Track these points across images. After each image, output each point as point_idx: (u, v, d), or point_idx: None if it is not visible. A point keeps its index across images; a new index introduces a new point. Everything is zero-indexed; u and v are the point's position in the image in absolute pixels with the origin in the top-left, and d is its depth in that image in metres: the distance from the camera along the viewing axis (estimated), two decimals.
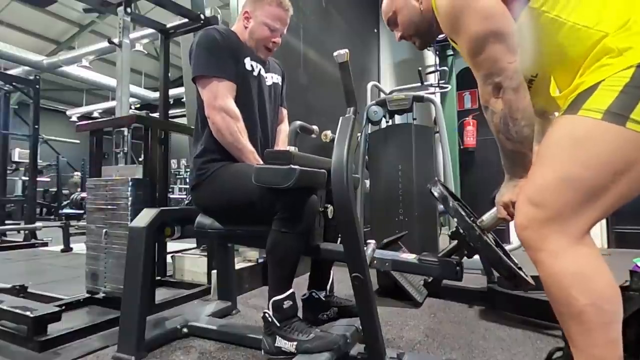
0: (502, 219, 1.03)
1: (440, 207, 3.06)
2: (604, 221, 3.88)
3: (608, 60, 0.77)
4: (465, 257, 1.15)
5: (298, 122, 1.35)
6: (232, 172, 1.36)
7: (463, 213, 1.06)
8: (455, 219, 1.05)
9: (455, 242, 1.17)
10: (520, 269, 1.04)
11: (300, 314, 1.30)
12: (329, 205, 1.33)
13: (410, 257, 1.21)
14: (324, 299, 1.54)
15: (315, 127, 1.46)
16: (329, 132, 1.37)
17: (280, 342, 1.19)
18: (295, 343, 1.17)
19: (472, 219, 1.08)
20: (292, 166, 1.13)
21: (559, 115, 0.84)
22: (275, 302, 1.20)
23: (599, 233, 3.85)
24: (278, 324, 1.20)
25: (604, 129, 0.74)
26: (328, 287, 1.55)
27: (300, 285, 1.29)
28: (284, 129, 1.71)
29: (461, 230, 1.09)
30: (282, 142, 1.65)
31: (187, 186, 1.60)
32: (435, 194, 1.08)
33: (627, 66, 0.74)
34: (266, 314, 1.21)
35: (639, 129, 0.71)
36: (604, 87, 0.76)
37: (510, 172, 0.97)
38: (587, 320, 0.75)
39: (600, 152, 0.75)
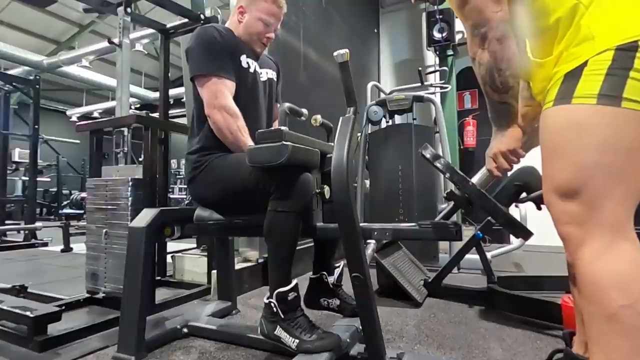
0: (491, 171, 1.05)
1: (441, 207, 3.06)
2: None
3: (578, 48, 0.78)
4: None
5: (287, 104, 1.36)
6: (228, 161, 1.38)
7: (455, 168, 1.07)
8: (447, 174, 1.05)
9: (452, 203, 1.16)
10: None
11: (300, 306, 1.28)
12: (325, 186, 1.33)
13: (410, 224, 1.20)
14: (331, 286, 1.51)
15: (304, 110, 1.46)
16: (318, 117, 1.36)
17: (281, 334, 1.19)
18: (297, 341, 1.17)
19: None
20: (284, 143, 1.14)
21: (548, 107, 0.83)
22: (279, 293, 1.19)
23: None
24: (282, 316, 1.20)
25: (602, 113, 0.74)
26: (336, 277, 1.53)
27: (300, 285, 1.28)
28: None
29: (455, 189, 1.10)
30: None
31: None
32: (427, 154, 1.08)
33: (603, 49, 0.74)
34: (271, 303, 1.20)
35: (635, 107, 0.72)
36: (588, 72, 0.76)
37: (497, 123, 0.99)
38: (620, 322, 0.73)
39: (607, 135, 0.74)
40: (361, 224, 1.17)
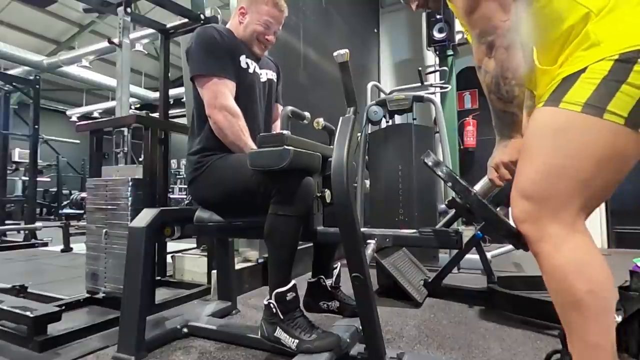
0: (492, 180, 1.05)
1: (441, 207, 3.06)
2: (603, 221, 3.88)
3: (584, 53, 0.79)
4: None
5: (289, 107, 1.36)
6: (229, 162, 1.37)
7: (457, 177, 1.06)
8: (449, 183, 1.05)
9: (453, 211, 1.16)
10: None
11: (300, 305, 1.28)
12: (326, 190, 1.33)
13: (410, 231, 1.21)
14: (330, 288, 1.52)
15: (307, 114, 1.46)
16: (321, 120, 1.36)
17: (281, 335, 1.19)
18: (296, 341, 1.17)
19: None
20: (286, 147, 1.14)
21: (540, 106, 0.85)
22: (278, 293, 1.20)
23: (599, 233, 3.85)
24: (282, 317, 1.20)
25: (583, 121, 0.77)
26: (334, 278, 1.53)
27: (299, 286, 1.28)
28: (279, 125, 1.71)
29: (457, 197, 1.09)
30: None
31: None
32: (429, 162, 1.08)
33: (604, 57, 0.76)
34: (271, 304, 1.20)
35: (615, 120, 0.74)
36: (584, 79, 0.78)
37: (500, 133, 1.00)
38: (586, 308, 0.77)
39: (582, 142, 0.78)
40: (362, 229, 1.17)
